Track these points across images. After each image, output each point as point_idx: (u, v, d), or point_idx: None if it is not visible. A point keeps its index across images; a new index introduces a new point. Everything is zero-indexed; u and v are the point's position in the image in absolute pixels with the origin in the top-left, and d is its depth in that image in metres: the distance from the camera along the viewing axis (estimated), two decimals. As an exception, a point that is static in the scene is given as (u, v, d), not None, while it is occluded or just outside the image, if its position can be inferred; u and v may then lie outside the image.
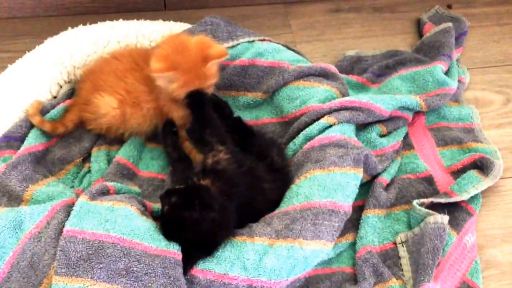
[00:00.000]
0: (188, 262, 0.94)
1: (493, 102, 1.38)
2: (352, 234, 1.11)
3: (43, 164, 1.17)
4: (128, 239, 0.93)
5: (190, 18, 1.45)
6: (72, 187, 1.16)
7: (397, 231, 1.11)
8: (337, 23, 1.57)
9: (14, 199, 1.07)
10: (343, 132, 1.14)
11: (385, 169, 1.18)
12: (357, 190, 1.07)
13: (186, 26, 1.35)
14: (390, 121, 1.24)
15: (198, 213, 0.92)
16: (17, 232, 0.98)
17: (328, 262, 1.08)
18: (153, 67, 1.07)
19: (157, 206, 1.07)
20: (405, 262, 1.07)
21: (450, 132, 1.28)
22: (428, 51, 1.42)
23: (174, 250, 0.94)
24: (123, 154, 1.19)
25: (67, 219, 0.96)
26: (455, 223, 1.10)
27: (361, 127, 1.22)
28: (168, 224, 0.96)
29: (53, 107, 1.21)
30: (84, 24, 1.35)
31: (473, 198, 1.14)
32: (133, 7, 1.55)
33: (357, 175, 1.07)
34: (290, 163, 1.14)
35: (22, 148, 1.15)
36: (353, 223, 1.12)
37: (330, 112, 1.18)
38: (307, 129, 1.17)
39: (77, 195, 1.05)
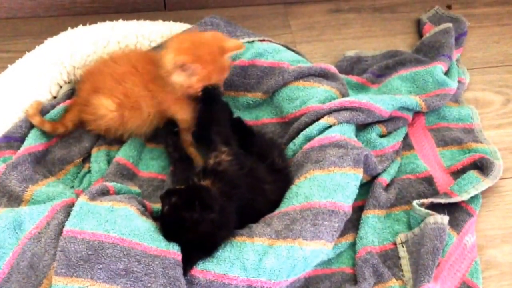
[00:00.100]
0: (188, 262, 0.94)
1: (493, 103, 1.38)
2: (352, 234, 1.11)
3: (43, 164, 1.17)
4: (128, 240, 0.93)
5: (190, 18, 1.45)
6: (72, 187, 1.16)
7: (397, 232, 1.11)
8: (337, 23, 1.57)
9: (14, 200, 1.07)
10: (343, 132, 1.14)
11: (385, 170, 1.18)
12: (357, 191, 1.07)
13: (186, 26, 1.36)
14: (390, 122, 1.24)
15: (198, 213, 0.92)
16: (17, 233, 0.98)
17: (328, 262, 1.07)
18: (175, 61, 1.07)
19: (157, 206, 1.07)
20: (405, 262, 1.06)
21: (450, 132, 1.28)
22: (428, 51, 1.42)
23: (174, 251, 0.94)
24: (123, 155, 1.18)
25: (67, 220, 0.96)
26: (455, 224, 1.10)
27: (361, 128, 1.22)
28: (168, 224, 0.96)
29: (53, 107, 1.21)
30: (84, 24, 1.35)
31: (473, 199, 1.14)
32: (133, 7, 1.55)
33: (357, 176, 1.07)
34: (290, 164, 1.14)
35: (22, 148, 1.15)
36: (353, 223, 1.11)
37: (330, 112, 1.18)
38: (307, 129, 1.17)
39: (77, 196, 1.05)
